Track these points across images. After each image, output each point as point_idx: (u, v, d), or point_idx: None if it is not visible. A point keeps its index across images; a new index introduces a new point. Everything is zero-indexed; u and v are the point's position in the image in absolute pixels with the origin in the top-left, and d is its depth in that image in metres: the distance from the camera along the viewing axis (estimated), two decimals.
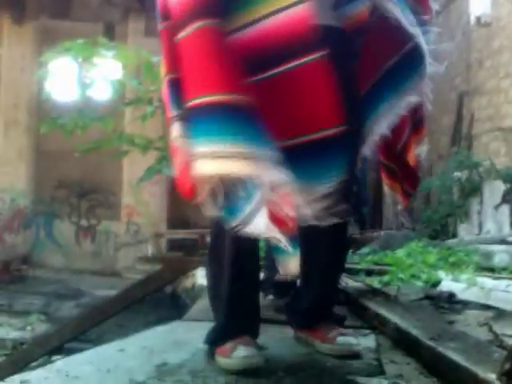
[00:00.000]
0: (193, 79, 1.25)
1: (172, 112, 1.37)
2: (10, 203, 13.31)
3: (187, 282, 5.25)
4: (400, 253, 3.69)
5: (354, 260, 3.70)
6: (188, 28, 1.24)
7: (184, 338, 1.67)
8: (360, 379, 1.28)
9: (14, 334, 7.46)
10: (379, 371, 1.38)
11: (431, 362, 1.39)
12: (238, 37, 1.24)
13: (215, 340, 1.49)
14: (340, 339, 1.55)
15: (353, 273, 3.01)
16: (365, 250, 4.20)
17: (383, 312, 1.88)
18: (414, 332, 1.56)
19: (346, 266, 3.28)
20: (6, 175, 13.00)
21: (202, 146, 1.18)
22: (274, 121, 1.22)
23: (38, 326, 7.76)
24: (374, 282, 2.63)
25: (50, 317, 8.51)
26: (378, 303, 2.07)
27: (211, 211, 1.22)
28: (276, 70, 1.25)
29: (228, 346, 1.41)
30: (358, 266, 3.29)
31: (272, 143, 1.19)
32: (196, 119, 1.23)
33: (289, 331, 1.71)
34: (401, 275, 2.82)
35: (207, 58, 1.23)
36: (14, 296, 10.38)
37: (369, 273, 3.05)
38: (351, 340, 1.58)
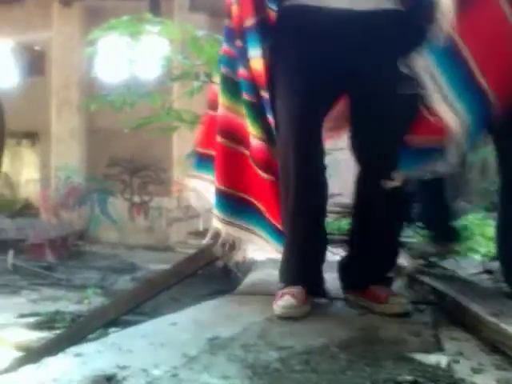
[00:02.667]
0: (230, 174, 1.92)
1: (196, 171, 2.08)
2: (64, 181, 13.70)
3: (238, 256, 5.28)
4: (456, 226, 3.56)
5: (407, 234, 3.61)
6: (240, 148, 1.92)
7: (235, 311, 1.66)
8: (417, 356, 1.23)
9: (72, 308, 7.74)
10: (437, 348, 1.32)
11: (493, 338, 1.33)
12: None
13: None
14: (392, 298, 1.63)
15: (407, 247, 2.93)
16: (420, 223, 4.08)
17: (440, 286, 1.82)
18: (474, 307, 1.49)
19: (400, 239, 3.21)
20: (60, 154, 13.37)
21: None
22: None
23: (94, 300, 8.01)
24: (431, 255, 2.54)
25: (106, 290, 8.78)
26: (435, 277, 2.00)
27: None
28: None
29: (280, 292, 1.64)
30: (412, 241, 3.20)
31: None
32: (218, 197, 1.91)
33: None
34: (458, 249, 2.72)
35: None
36: (71, 271, 10.76)
37: None
38: (402, 300, 1.66)
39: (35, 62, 13.71)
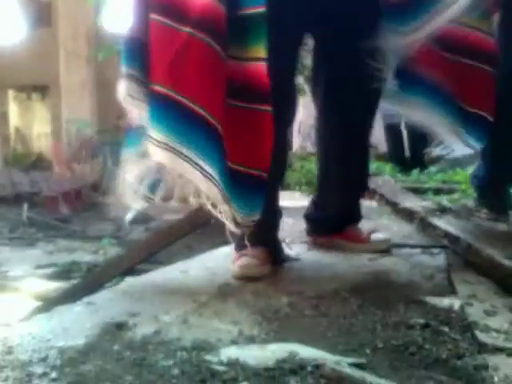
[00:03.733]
0: (171, 67, 1.26)
1: (125, 67, 1.39)
2: (76, 134, 13.69)
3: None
4: (471, 170, 3.51)
5: (421, 179, 3.57)
6: (186, 28, 1.24)
7: None
8: (430, 299, 1.22)
9: (87, 258, 7.86)
10: (450, 291, 1.31)
11: (506, 281, 1.31)
12: (230, 63, 1.29)
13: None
14: (373, 236, 1.71)
15: (420, 192, 2.90)
16: (433, 168, 4.04)
17: (453, 230, 1.79)
18: (488, 250, 1.47)
19: (413, 185, 3.18)
20: (70, 106, 13.33)
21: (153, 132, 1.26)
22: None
23: (109, 250, 8.13)
24: (443, 200, 2.51)
25: (120, 241, 8.89)
26: (448, 221, 1.97)
27: None
28: (240, 104, 1.31)
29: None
30: (426, 185, 3.17)
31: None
32: (155, 106, 1.28)
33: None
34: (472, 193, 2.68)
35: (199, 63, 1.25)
36: (86, 222, 10.86)
37: (437, 191, 2.92)
38: (381, 236, 1.73)
39: (42, 14, 13.47)
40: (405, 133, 4.72)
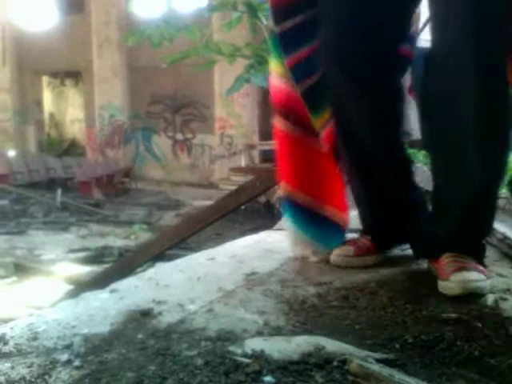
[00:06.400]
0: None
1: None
2: (108, 120, 13.86)
3: (280, 192, 5.27)
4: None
5: None
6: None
7: (273, 247, 1.63)
8: None
9: (119, 243, 8.00)
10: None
11: None
12: None
13: None
14: (457, 275, 1.17)
15: None
16: None
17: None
18: None
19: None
20: (103, 93, 13.46)
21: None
22: None
23: (141, 235, 8.25)
24: None
25: (152, 226, 9.01)
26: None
27: None
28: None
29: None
30: None
31: None
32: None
33: None
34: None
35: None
36: (118, 207, 11.05)
37: None
38: (472, 275, 1.17)
39: (74, 0, 13.61)
40: None
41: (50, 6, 13.57)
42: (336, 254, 1.44)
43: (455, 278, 1.16)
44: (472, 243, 1.28)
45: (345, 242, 1.49)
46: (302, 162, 1.54)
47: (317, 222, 1.52)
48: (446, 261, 1.23)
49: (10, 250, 7.40)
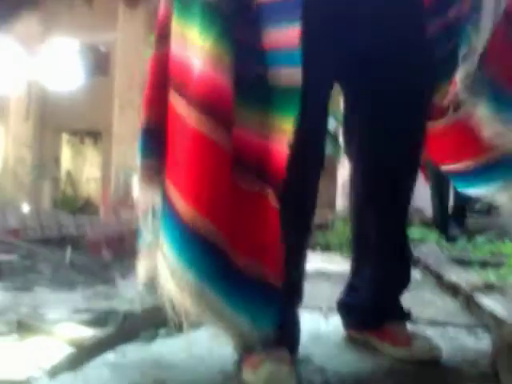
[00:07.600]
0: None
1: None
2: (124, 180, 14.00)
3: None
4: None
5: (466, 249, 3.45)
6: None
7: None
8: None
9: (125, 306, 7.86)
10: (494, 381, 1.22)
11: None
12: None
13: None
14: (417, 341, 1.32)
15: (465, 264, 2.79)
16: (480, 238, 3.89)
17: (500, 311, 1.70)
18: None
19: (458, 256, 3.06)
20: (121, 153, 13.69)
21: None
22: None
23: (147, 299, 8.12)
24: (490, 275, 2.40)
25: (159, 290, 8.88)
26: (494, 300, 1.88)
27: None
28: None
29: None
30: (471, 256, 3.05)
31: None
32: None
33: None
34: None
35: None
36: (127, 269, 10.95)
37: (483, 264, 2.80)
38: (429, 340, 1.34)
39: (100, 63, 14.14)
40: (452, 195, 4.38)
41: (77, 68, 14.08)
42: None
43: (418, 344, 1.33)
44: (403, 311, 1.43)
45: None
46: (221, 183, 1.07)
47: (228, 274, 1.07)
48: (393, 328, 1.38)
49: (15, 307, 7.33)
